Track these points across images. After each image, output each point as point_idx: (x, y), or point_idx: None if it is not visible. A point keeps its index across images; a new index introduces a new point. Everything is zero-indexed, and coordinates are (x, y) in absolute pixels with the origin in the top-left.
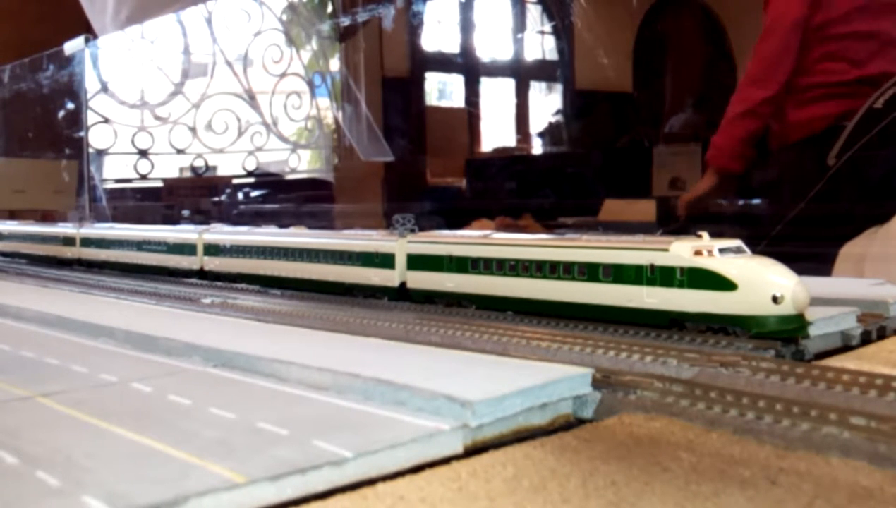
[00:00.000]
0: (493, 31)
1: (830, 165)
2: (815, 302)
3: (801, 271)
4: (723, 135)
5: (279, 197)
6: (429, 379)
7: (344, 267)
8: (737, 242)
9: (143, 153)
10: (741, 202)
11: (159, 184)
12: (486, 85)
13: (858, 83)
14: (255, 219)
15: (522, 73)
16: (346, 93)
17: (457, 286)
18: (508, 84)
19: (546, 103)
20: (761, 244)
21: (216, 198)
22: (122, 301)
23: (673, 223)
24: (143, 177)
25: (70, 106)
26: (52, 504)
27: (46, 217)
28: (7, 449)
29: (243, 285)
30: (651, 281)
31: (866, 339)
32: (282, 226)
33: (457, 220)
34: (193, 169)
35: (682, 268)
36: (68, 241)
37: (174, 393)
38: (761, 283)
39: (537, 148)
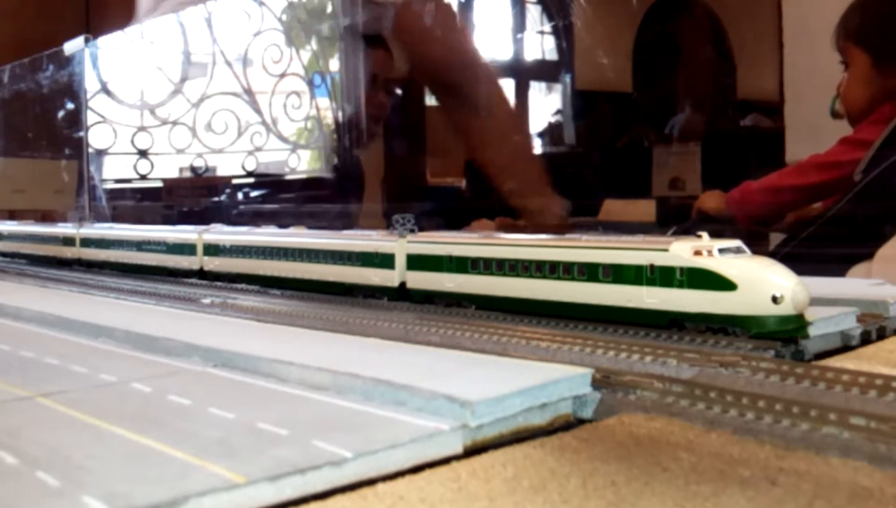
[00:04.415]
0: (493, 31)
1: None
2: (815, 302)
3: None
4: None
5: (285, 196)
6: (429, 379)
7: (344, 268)
8: (736, 242)
9: (142, 153)
10: None
11: (159, 184)
12: None
13: None
14: (263, 220)
15: (522, 73)
16: (346, 93)
17: (457, 286)
18: (508, 84)
19: (546, 103)
20: (790, 245)
21: (216, 198)
22: (122, 301)
23: (683, 223)
24: (143, 177)
25: (70, 106)
26: (52, 504)
27: (46, 217)
28: (7, 449)
29: (243, 285)
30: (651, 282)
31: (866, 339)
32: (282, 226)
33: (457, 220)
34: (193, 169)
35: (681, 268)
36: (68, 241)
37: (174, 393)
38: (761, 283)
39: (537, 148)
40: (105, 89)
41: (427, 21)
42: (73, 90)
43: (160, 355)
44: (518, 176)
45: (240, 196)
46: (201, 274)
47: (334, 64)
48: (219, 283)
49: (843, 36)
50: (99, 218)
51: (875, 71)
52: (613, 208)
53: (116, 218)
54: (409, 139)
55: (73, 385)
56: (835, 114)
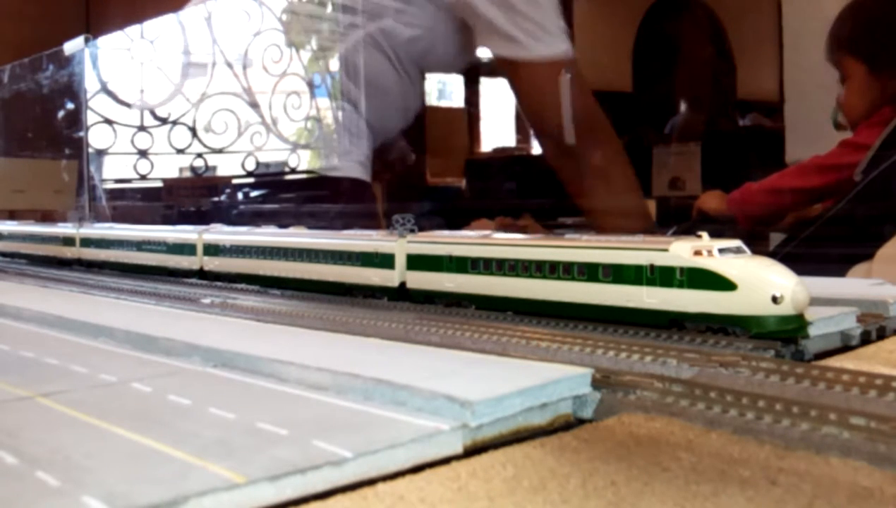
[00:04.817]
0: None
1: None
2: (815, 302)
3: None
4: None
5: (285, 196)
6: (429, 379)
7: (344, 268)
8: (737, 242)
9: (142, 153)
10: None
11: (159, 184)
12: (486, 85)
13: None
14: (263, 220)
15: None
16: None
17: (457, 286)
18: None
19: None
20: (790, 245)
21: (216, 198)
22: (122, 301)
23: (683, 223)
24: (143, 178)
25: (70, 106)
26: (52, 504)
27: (46, 217)
28: (7, 449)
29: (243, 285)
30: (651, 282)
31: (866, 339)
32: (282, 226)
33: (457, 220)
34: (193, 169)
35: (681, 268)
36: (68, 241)
37: (174, 393)
38: (761, 283)
39: (537, 148)
40: (105, 89)
41: (554, 87)
42: (73, 90)
43: (160, 355)
44: (627, 228)
45: (240, 196)
46: (201, 274)
47: (334, 64)
48: (219, 283)
49: (835, 48)
50: (99, 218)
51: (872, 78)
52: None
53: (116, 218)
54: (410, 139)
55: (73, 385)
56: (838, 126)
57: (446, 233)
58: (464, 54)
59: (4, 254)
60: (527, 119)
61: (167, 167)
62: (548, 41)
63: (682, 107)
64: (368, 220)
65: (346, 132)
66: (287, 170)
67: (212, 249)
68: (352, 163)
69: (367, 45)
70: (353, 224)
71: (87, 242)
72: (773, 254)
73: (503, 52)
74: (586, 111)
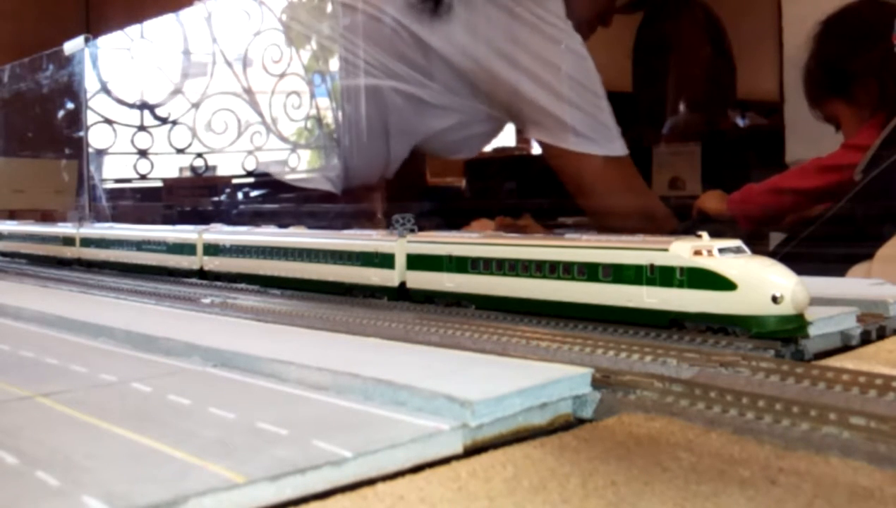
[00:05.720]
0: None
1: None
2: (815, 301)
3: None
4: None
5: (285, 196)
6: (428, 378)
7: (344, 268)
8: (736, 242)
9: (142, 153)
10: None
11: (159, 183)
12: None
13: None
14: (263, 220)
15: None
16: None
17: (457, 286)
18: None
19: None
20: (790, 245)
21: (216, 198)
22: (122, 301)
23: (683, 222)
24: (143, 177)
25: (70, 106)
26: (52, 504)
27: (46, 217)
28: (7, 449)
29: (243, 285)
30: (651, 281)
31: (866, 339)
32: (282, 226)
33: (457, 220)
34: (193, 169)
35: (681, 268)
36: (68, 241)
37: (174, 393)
38: (761, 283)
39: (537, 148)
40: (105, 89)
41: (612, 179)
42: (73, 90)
43: (160, 355)
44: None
45: (240, 196)
46: (201, 274)
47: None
48: (219, 283)
49: (815, 99)
50: (99, 217)
51: (859, 108)
52: None
53: (116, 218)
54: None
55: (73, 385)
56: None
57: (446, 233)
58: (470, 145)
59: (4, 254)
60: (570, 191)
61: (167, 167)
62: (612, 140)
63: (682, 106)
64: (367, 220)
65: (324, 148)
66: (286, 170)
67: (212, 249)
68: (320, 177)
69: (371, 93)
70: (353, 224)
71: (87, 242)
72: (773, 254)
73: (572, 147)
74: (634, 196)
